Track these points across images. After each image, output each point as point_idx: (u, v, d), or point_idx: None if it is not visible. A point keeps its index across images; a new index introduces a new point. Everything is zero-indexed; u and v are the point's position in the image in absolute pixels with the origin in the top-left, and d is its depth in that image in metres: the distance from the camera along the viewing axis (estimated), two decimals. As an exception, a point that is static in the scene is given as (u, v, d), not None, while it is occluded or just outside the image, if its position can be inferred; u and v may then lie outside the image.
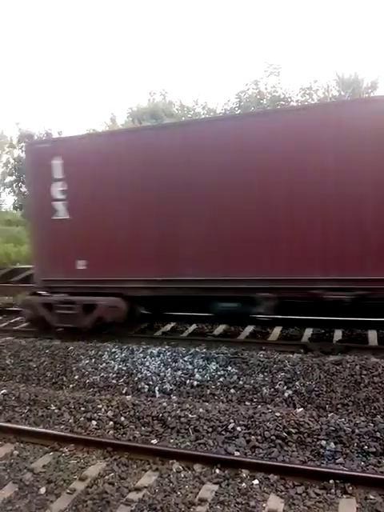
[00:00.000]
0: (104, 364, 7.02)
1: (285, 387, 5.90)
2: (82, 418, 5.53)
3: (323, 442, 4.59)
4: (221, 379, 6.25)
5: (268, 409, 5.28)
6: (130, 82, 53.72)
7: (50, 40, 59.23)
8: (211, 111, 28.06)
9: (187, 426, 5.07)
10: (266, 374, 6.22)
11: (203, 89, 50.48)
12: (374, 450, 4.45)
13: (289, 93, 26.19)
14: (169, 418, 5.21)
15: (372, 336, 7.83)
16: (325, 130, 6.81)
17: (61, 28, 59.81)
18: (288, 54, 36.63)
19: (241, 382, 6.13)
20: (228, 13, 52.97)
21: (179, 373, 6.49)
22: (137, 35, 58.46)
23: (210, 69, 47.80)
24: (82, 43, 60.53)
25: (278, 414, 5.05)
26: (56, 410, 5.79)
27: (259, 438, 4.77)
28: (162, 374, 6.53)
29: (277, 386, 5.93)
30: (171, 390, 6.22)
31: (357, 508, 3.71)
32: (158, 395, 6.16)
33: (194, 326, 9.27)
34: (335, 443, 4.57)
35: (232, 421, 5.03)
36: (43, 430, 5.32)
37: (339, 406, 5.45)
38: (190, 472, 4.34)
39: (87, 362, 7.17)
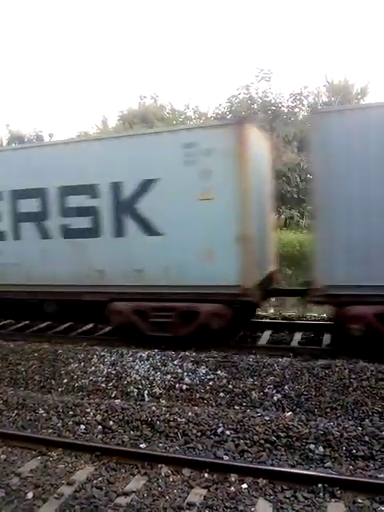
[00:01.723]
0: (93, 367, 6.98)
1: (274, 391, 5.91)
2: (71, 422, 5.49)
3: (312, 446, 4.60)
4: (210, 383, 6.24)
5: (257, 413, 5.29)
6: (122, 85, 53.72)
7: (42, 41, 59.17)
8: (203, 115, 28.14)
9: (176, 430, 5.06)
10: (255, 377, 6.22)
11: (194, 93, 50.68)
12: (363, 453, 4.47)
13: (279, 98, 26.37)
14: (158, 422, 5.19)
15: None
16: None
17: (52, 30, 59.75)
18: (279, 60, 36.92)
19: (230, 386, 6.12)
20: (220, 18, 53.29)
21: (168, 377, 6.47)
22: (129, 38, 58.59)
23: (202, 73, 48.01)
24: (73, 45, 60.52)
25: (267, 418, 5.06)
26: (44, 414, 5.74)
27: (248, 441, 4.78)
28: (151, 377, 6.51)
29: (266, 390, 5.94)
30: (160, 393, 6.19)
31: (345, 512, 3.72)
32: (147, 399, 6.13)
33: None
34: (324, 447, 4.59)
35: (221, 425, 5.03)
36: (31, 434, 5.28)
37: (328, 409, 5.47)
38: (178, 476, 4.34)
39: (76, 365, 7.13)
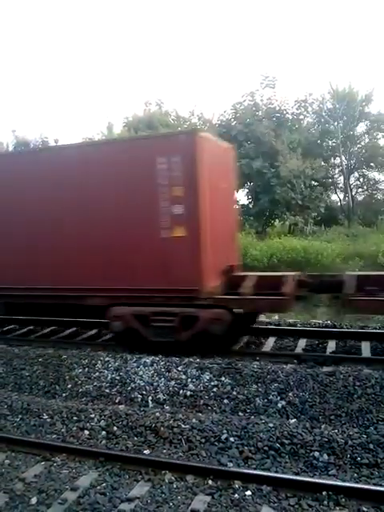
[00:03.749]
0: (97, 373, 6.99)
1: (278, 398, 5.90)
2: (75, 428, 5.49)
3: (316, 454, 4.58)
4: (214, 389, 6.23)
5: (261, 419, 5.27)
6: (127, 91, 54.05)
7: (48, 47, 59.61)
8: (207, 122, 28.22)
9: (180, 437, 5.05)
10: (259, 384, 6.21)
11: (199, 100, 50.92)
12: (367, 461, 4.45)
13: (284, 105, 26.43)
14: (162, 428, 5.18)
15: (365, 347, 7.84)
16: None
17: (58, 35, 60.23)
18: (284, 67, 37.03)
19: (234, 393, 6.12)
20: (225, 25, 53.59)
21: (173, 383, 6.47)
22: (134, 44, 59.00)
23: (207, 80, 48.22)
24: (79, 51, 60.96)
25: (271, 425, 5.04)
26: (48, 419, 5.75)
27: (252, 448, 4.76)
28: (155, 383, 6.51)
29: (270, 397, 5.93)
30: (164, 399, 6.19)
31: (349, 520, 3.70)
32: (151, 405, 6.13)
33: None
34: (328, 455, 4.57)
35: (225, 431, 5.02)
36: (35, 440, 5.28)
37: (332, 417, 5.45)
38: (182, 483, 4.32)
39: (80, 370, 7.14)
